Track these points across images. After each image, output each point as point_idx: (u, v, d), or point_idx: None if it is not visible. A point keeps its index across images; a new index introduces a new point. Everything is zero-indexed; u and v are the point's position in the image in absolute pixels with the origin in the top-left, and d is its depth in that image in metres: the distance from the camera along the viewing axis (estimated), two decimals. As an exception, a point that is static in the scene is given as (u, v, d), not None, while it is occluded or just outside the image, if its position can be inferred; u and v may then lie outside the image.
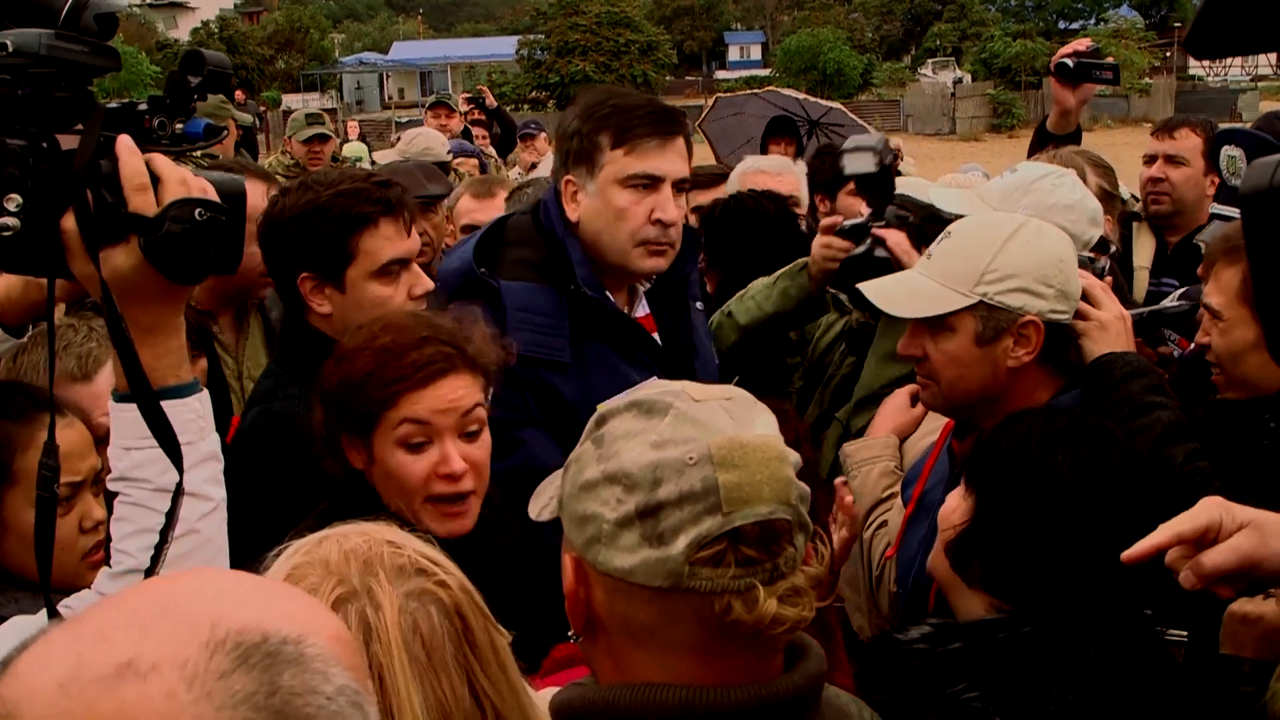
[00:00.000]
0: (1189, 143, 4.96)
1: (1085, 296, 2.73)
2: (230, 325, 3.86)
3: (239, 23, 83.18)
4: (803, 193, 4.84)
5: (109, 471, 1.85)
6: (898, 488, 3.16)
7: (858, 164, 3.50)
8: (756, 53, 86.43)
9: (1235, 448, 2.59)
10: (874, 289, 2.77)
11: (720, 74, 76.56)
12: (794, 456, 1.49)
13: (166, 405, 1.77)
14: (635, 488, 1.43)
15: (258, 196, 3.53)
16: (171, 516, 1.72)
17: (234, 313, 3.87)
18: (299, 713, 0.89)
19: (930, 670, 1.93)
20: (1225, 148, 3.13)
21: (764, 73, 66.29)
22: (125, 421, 1.79)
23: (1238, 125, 3.43)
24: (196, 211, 1.72)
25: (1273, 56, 70.98)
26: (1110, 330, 2.70)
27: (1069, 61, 4.57)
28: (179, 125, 1.91)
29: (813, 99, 9.07)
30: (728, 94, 10.18)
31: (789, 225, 4.46)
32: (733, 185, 4.97)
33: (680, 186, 3.04)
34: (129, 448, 1.79)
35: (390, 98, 75.31)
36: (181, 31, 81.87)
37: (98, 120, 1.74)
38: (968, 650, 1.94)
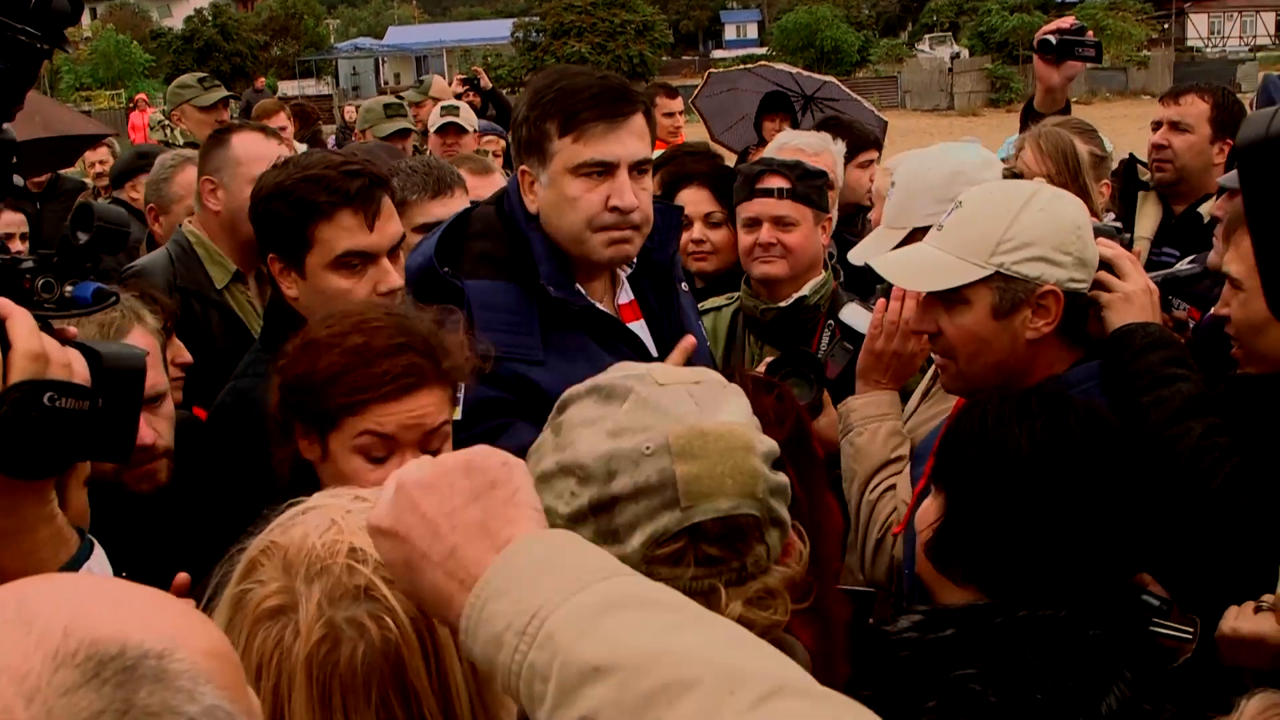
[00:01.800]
0: (1194, 109, 4.88)
1: (1110, 267, 2.64)
2: (258, 289, 3.95)
3: (233, 9, 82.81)
4: (839, 172, 4.70)
5: None
6: (906, 448, 3.07)
7: (856, 320, 3.43)
8: (753, 31, 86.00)
9: (1258, 424, 2.47)
10: (886, 264, 2.68)
11: (717, 53, 76.11)
12: (764, 446, 1.38)
13: None
14: (589, 480, 1.34)
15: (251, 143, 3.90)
16: None
17: (256, 275, 3.97)
18: None
19: (922, 658, 1.85)
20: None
21: (761, 51, 65.98)
22: None
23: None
24: (46, 396, 1.45)
25: (1271, 25, 70.75)
26: (1135, 303, 2.60)
27: (1051, 39, 4.53)
28: (68, 289, 1.68)
29: (806, 73, 8.94)
30: (720, 70, 10.03)
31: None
32: None
33: (640, 168, 2.90)
34: None
35: (386, 83, 74.91)
36: (176, 20, 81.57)
37: None
38: (961, 636, 1.86)
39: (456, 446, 2.64)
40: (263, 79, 24.62)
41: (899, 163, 4.26)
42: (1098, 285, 2.64)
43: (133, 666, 0.81)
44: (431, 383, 2.31)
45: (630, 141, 2.87)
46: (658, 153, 4.34)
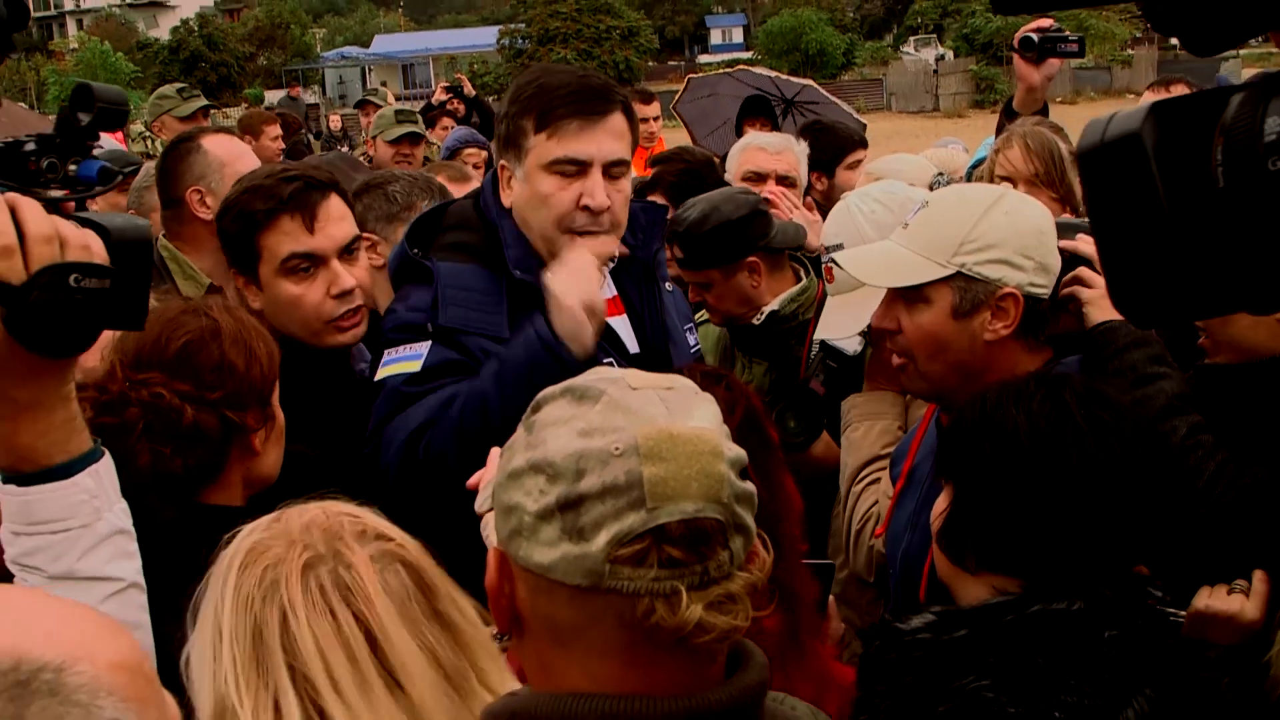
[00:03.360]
0: None
1: (1090, 263, 2.65)
2: (240, 301, 3.89)
3: (219, 20, 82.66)
4: (802, 172, 4.72)
5: None
6: (897, 446, 3.09)
7: (840, 340, 3.43)
8: (738, 35, 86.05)
9: (1227, 416, 2.50)
10: (850, 259, 2.67)
11: (703, 58, 76.10)
12: (733, 452, 1.39)
13: (51, 488, 1.63)
14: (558, 478, 1.34)
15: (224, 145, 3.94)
16: None
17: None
18: None
19: (936, 660, 1.84)
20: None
21: (747, 55, 66.02)
22: (10, 505, 1.65)
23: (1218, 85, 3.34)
24: (72, 278, 1.51)
25: (1255, 24, 70.77)
26: None
27: (1033, 36, 4.52)
28: (72, 167, 1.73)
29: (785, 77, 8.96)
30: (699, 75, 10.05)
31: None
32: (732, 163, 4.89)
33: (614, 171, 2.89)
34: (17, 533, 1.65)
35: (373, 91, 74.79)
36: (162, 30, 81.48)
37: None
38: (974, 637, 1.85)
39: (412, 400, 2.76)
40: (298, 87, 24.45)
41: (881, 167, 4.29)
42: (1078, 281, 2.65)
43: (26, 681, 0.80)
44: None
45: (605, 141, 2.85)
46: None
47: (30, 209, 1.54)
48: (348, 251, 3.03)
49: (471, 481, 2.38)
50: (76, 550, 1.66)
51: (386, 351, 2.88)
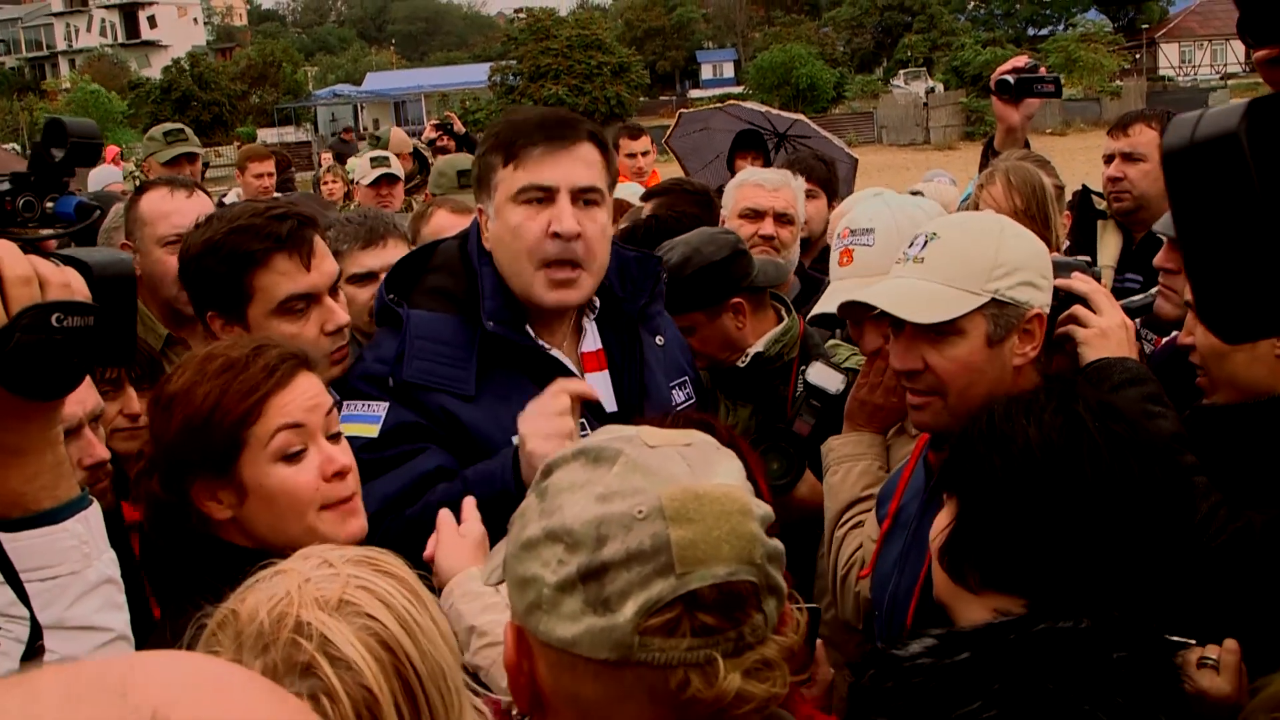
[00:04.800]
0: (1144, 138, 4.91)
1: (1086, 302, 2.61)
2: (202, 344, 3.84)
3: (211, 59, 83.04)
4: (800, 208, 4.66)
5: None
6: (878, 487, 3.02)
7: (823, 380, 3.39)
8: (729, 70, 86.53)
9: (1223, 458, 2.44)
10: (878, 296, 2.53)
11: (694, 93, 76.55)
12: (761, 510, 1.32)
13: (39, 534, 1.57)
14: (578, 546, 1.27)
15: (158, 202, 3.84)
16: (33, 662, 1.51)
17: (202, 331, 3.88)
18: None
19: (937, 687, 1.74)
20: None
21: (737, 90, 66.33)
22: None
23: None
24: (54, 318, 1.47)
25: (1242, 53, 71.50)
26: (1112, 339, 2.57)
27: (1009, 78, 4.53)
28: (49, 205, 1.69)
29: (776, 111, 8.93)
30: (690, 110, 10.04)
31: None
32: (728, 199, 4.84)
33: (586, 198, 2.80)
34: (3, 581, 1.58)
35: (365, 129, 75.10)
36: (154, 70, 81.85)
37: None
38: (976, 660, 1.75)
39: (371, 467, 2.63)
40: (351, 131, 24.40)
41: (852, 205, 4.23)
42: (1074, 320, 2.61)
43: None
44: (307, 369, 2.26)
45: (573, 167, 2.78)
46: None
47: (6, 250, 1.49)
48: (334, 288, 2.96)
49: (427, 554, 2.29)
50: (66, 598, 1.60)
51: (346, 404, 2.81)
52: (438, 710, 1.50)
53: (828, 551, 3.07)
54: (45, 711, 0.72)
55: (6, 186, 1.66)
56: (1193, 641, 2.07)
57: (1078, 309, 2.61)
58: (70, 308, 1.49)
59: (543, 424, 2.59)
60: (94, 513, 1.67)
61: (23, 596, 1.52)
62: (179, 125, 7.58)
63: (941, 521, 2.05)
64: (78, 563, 1.61)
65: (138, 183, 7.72)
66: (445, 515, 2.41)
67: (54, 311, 1.47)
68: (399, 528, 2.61)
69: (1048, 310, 2.49)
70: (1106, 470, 1.85)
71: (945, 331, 2.44)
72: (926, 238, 2.54)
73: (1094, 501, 1.84)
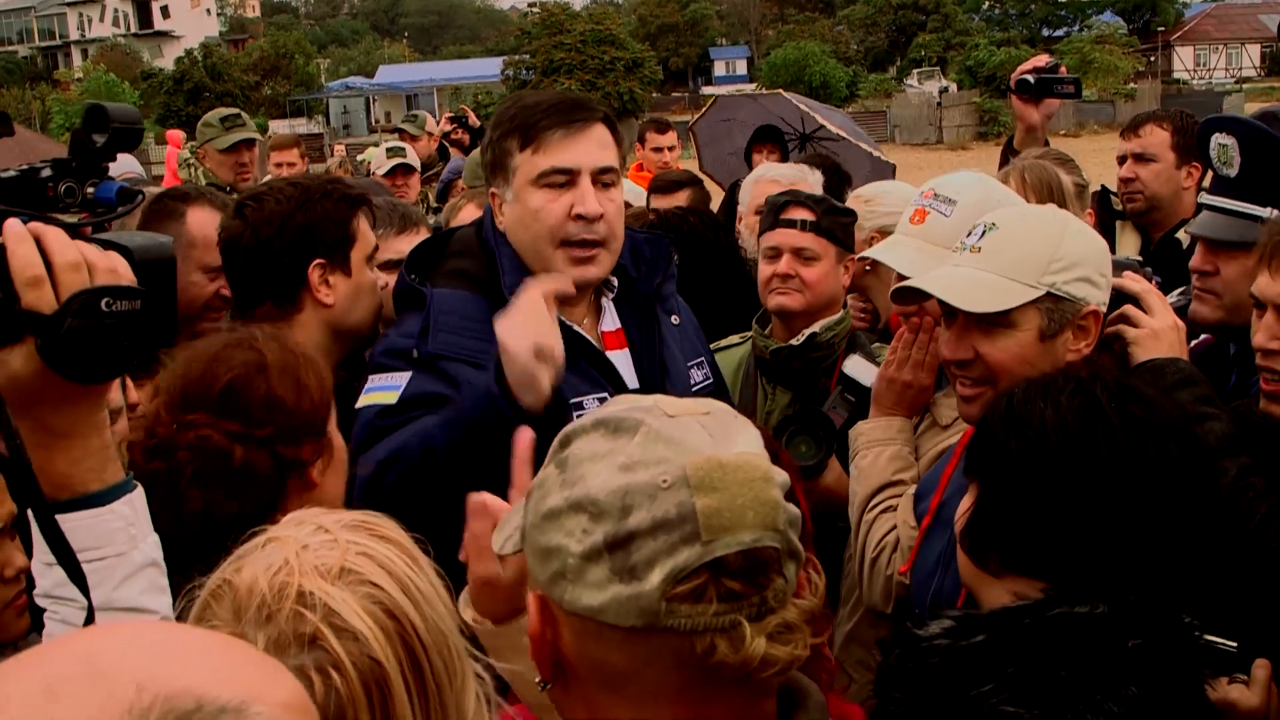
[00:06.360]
0: (1155, 138, 4.91)
1: (1138, 302, 2.60)
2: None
3: (223, 50, 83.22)
4: None
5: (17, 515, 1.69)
6: (909, 474, 3.03)
7: (859, 373, 3.40)
8: (742, 67, 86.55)
9: (1271, 467, 2.40)
10: (934, 284, 2.54)
11: (706, 89, 76.51)
12: (781, 477, 1.33)
13: (88, 515, 1.60)
14: (603, 516, 1.27)
15: (209, 226, 3.42)
16: None
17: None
18: None
19: (953, 668, 1.74)
20: (1215, 135, 3.00)
21: (750, 87, 66.28)
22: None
23: (1227, 113, 3.35)
24: (103, 303, 1.50)
25: (1257, 58, 71.32)
26: (1163, 340, 2.57)
27: (1029, 78, 4.57)
28: (90, 190, 1.71)
29: (817, 104, 8.91)
30: (727, 95, 10.07)
31: (719, 241, 4.35)
32: (745, 195, 4.83)
33: (604, 179, 2.85)
34: (51, 564, 1.60)
35: (377, 121, 75.14)
36: (166, 60, 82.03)
37: None
38: (992, 642, 1.75)
39: (386, 433, 2.70)
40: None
41: (869, 191, 4.23)
42: (1124, 320, 2.60)
43: None
44: None
45: (591, 149, 2.83)
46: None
47: (56, 237, 1.52)
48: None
49: (462, 556, 2.22)
50: (113, 580, 1.62)
51: (370, 378, 2.86)
52: (441, 677, 1.50)
53: (855, 535, 3.06)
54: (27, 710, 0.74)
55: (48, 173, 1.67)
56: (1234, 646, 2.05)
57: (1129, 309, 2.61)
58: (119, 292, 1.52)
59: (520, 323, 2.60)
60: (138, 496, 1.69)
61: (79, 577, 1.54)
62: (235, 110, 7.38)
63: (965, 503, 2.05)
64: (124, 545, 1.63)
65: (192, 170, 7.65)
66: (478, 509, 2.17)
67: (104, 296, 1.50)
68: (396, 473, 2.65)
69: (1105, 308, 2.49)
70: (1122, 452, 1.85)
71: (998, 322, 2.44)
72: (985, 228, 2.54)
73: (1109, 483, 1.84)
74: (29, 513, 1.60)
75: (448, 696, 1.51)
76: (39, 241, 1.51)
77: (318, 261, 2.95)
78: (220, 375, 2.20)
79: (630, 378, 3.00)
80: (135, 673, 0.78)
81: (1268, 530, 2.27)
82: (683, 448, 1.30)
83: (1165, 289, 3.40)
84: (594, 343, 2.96)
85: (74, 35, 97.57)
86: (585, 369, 2.88)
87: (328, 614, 1.44)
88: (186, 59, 72.70)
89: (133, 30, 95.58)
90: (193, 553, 1.67)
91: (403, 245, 3.68)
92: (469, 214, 4.42)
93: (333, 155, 17.00)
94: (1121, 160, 5.01)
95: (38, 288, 1.48)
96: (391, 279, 3.54)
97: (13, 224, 1.51)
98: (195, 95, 66.69)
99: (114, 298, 1.51)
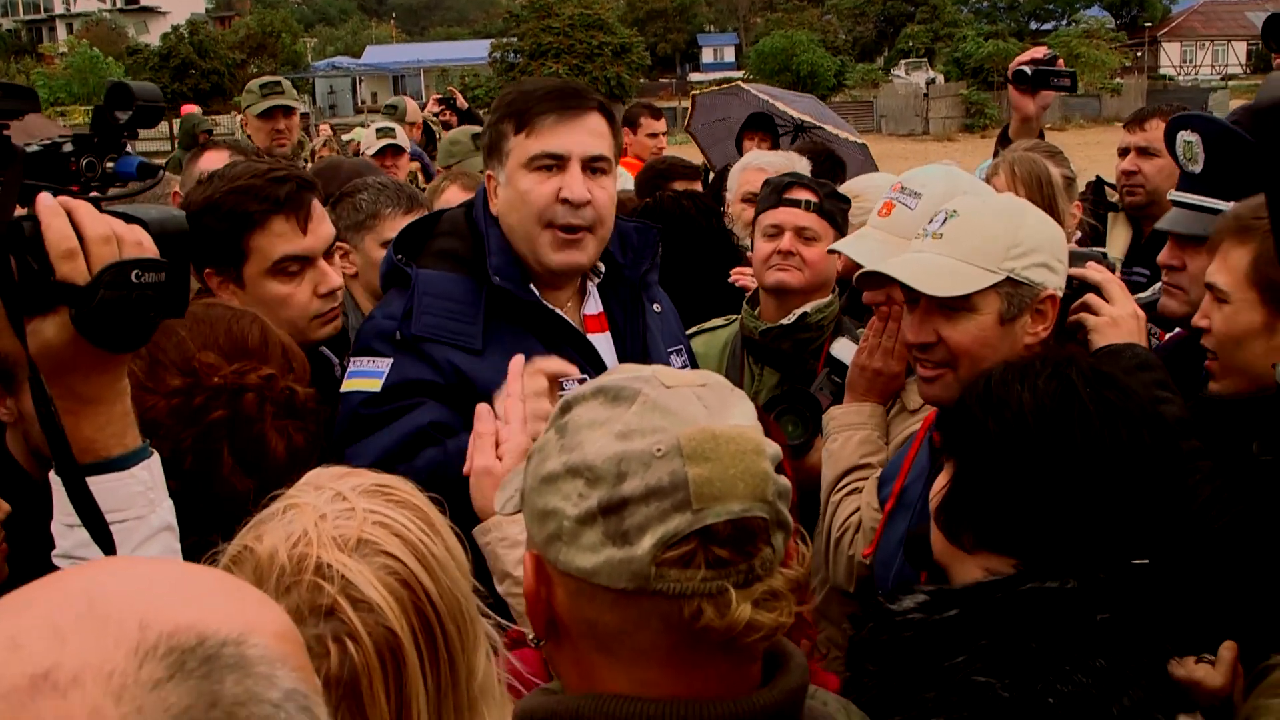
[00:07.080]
0: (1159, 133, 4.86)
1: (1099, 291, 2.67)
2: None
3: (210, 27, 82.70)
4: None
5: None
6: (877, 458, 3.10)
7: (845, 355, 3.45)
8: (730, 54, 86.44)
9: (1225, 448, 2.49)
10: (899, 269, 2.60)
11: (694, 76, 76.48)
12: (772, 449, 1.37)
13: (110, 479, 1.66)
14: (598, 481, 1.32)
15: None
16: None
17: None
18: None
19: (926, 641, 1.81)
20: (1180, 133, 3.06)
21: (737, 74, 66.18)
22: (65, 496, 1.66)
23: (1194, 111, 3.41)
24: (133, 274, 1.57)
25: (1243, 55, 71.51)
26: (1123, 327, 2.64)
27: (1026, 69, 4.61)
28: (109, 164, 1.77)
29: (791, 94, 8.94)
30: (703, 93, 10.07)
31: (711, 226, 4.39)
32: (732, 182, 4.86)
33: (595, 166, 2.89)
34: (72, 525, 1.66)
35: (363, 102, 74.86)
36: (152, 36, 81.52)
37: (17, 172, 1.60)
38: (965, 617, 1.82)
39: (371, 421, 2.74)
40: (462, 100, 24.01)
41: (854, 186, 4.27)
42: (1085, 308, 2.67)
43: (214, 656, 0.79)
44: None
45: (583, 136, 2.87)
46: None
47: (87, 211, 1.59)
48: (328, 251, 3.05)
49: (466, 469, 2.38)
50: (132, 542, 1.68)
51: (353, 360, 2.89)
52: (454, 640, 1.55)
53: (822, 515, 3.14)
54: (38, 659, 0.76)
55: (70, 148, 1.72)
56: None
57: (1090, 297, 2.68)
58: (146, 264, 1.59)
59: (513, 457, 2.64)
60: (155, 462, 1.76)
61: (107, 539, 1.60)
62: (276, 78, 7.48)
63: (940, 482, 2.11)
64: (143, 508, 1.70)
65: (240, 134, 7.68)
66: (484, 414, 2.45)
67: (133, 268, 1.58)
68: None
69: (1061, 293, 2.55)
70: (1096, 435, 1.90)
71: (959, 306, 2.51)
72: (947, 215, 2.61)
73: (1082, 465, 1.89)
74: (50, 475, 1.65)
75: (458, 658, 1.56)
76: (71, 215, 1.57)
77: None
78: (249, 330, 2.28)
79: (611, 361, 3.04)
80: (136, 611, 0.80)
81: (1210, 511, 2.35)
82: (678, 418, 1.34)
83: (1154, 282, 3.46)
84: (576, 326, 3.01)
85: (59, 9, 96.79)
86: (567, 350, 2.91)
87: (344, 586, 1.49)
88: (173, 35, 72.29)
89: (118, 5, 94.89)
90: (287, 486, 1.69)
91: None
92: (452, 195, 4.47)
93: (318, 134, 16.92)
94: (1124, 153, 5.05)
95: (72, 260, 1.55)
96: None
97: (45, 198, 1.57)
98: (181, 72, 66.43)
99: (142, 269, 1.58)
